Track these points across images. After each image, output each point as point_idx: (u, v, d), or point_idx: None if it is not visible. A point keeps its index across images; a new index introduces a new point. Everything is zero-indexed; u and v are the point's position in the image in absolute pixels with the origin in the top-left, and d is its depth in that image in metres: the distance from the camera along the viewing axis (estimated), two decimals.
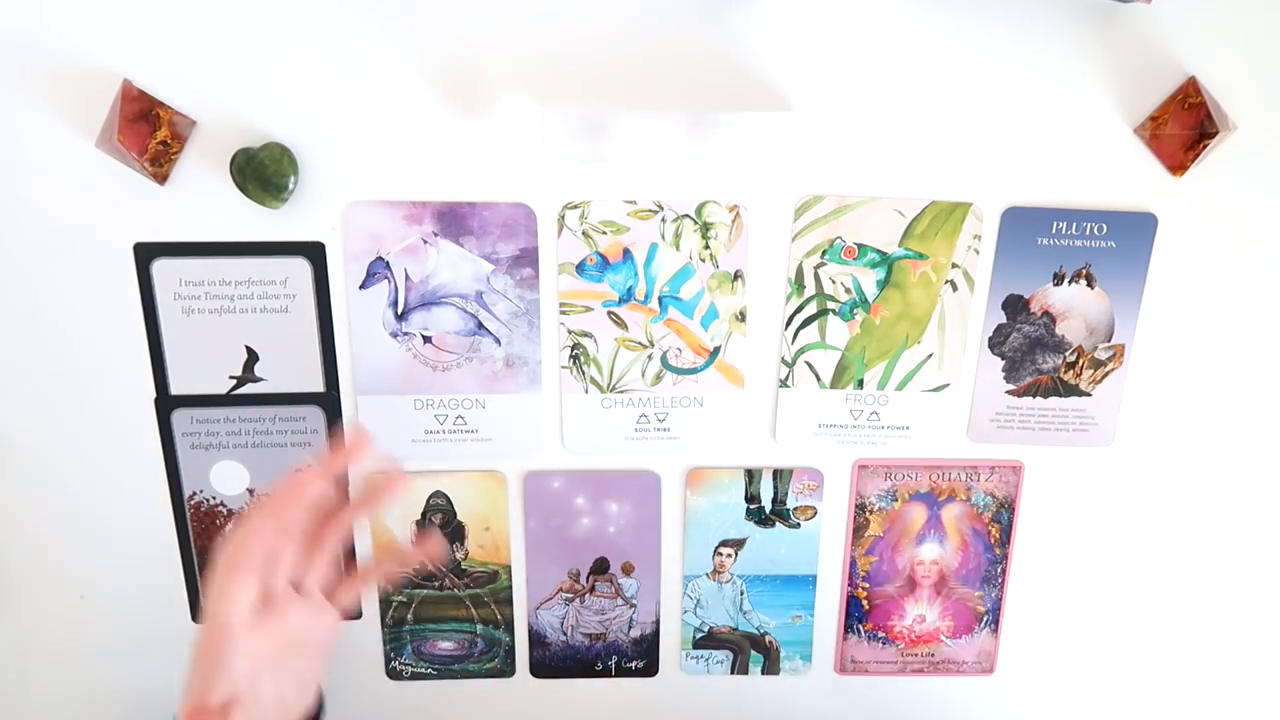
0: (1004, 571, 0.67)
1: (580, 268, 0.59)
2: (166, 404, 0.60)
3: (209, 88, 0.54)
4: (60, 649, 0.67)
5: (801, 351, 0.61)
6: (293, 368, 0.60)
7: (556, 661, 0.69)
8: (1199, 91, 0.54)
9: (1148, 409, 0.62)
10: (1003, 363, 0.62)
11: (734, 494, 0.64)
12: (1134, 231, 0.58)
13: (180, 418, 0.61)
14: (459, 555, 0.65)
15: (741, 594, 0.67)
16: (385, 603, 0.66)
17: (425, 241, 0.58)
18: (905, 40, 0.54)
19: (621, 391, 0.61)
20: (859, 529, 0.66)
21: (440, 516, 0.64)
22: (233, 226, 0.57)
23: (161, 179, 0.54)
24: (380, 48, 0.53)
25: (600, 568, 0.66)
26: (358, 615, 0.67)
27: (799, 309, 0.60)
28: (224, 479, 0.62)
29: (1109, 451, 0.64)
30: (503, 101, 0.55)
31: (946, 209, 0.58)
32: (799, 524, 0.65)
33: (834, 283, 0.59)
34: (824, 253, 0.59)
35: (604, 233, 0.58)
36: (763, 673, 0.70)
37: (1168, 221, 0.58)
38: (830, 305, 0.60)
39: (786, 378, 0.62)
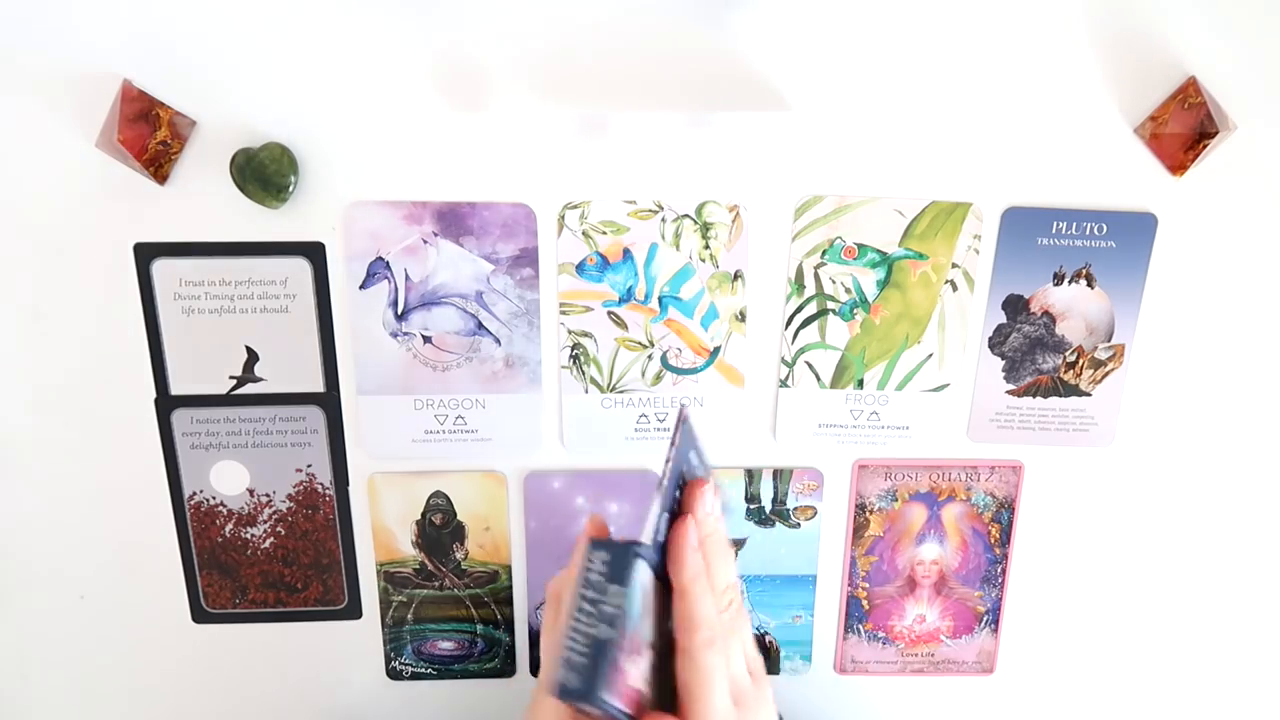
0: (1004, 571, 0.67)
1: (580, 268, 0.59)
2: (166, 404, 0.60)
3: (209, 88, 0.54)
4: (60, 649, 0.67)
5: (801, 351, 0.61)
6: (293, 368, 0.60)
7: None
8: (1199, 91, 0.54)
9: (1148, 409, 0.62)
10: (1003, 363, 0.62)
11: (734, 494, 0.64)
12: (1134, 231, 0.58)
13: (180, 418, 0.61)
14: (459, 555, 0.65)
15: (741, 594, 0.67)
16: (385, 603, 0.66)
17: (425, 241, 0.58)
18: (905, 40, 0.54)
19: (621, 391, 0.61)
20: (859, 529, 0.66)
21: (440, 516, 0.64)
22: (233, 226, 0.57)
23: (161, 179, 0.55)
24: (380, 47, 0.53)
25: None
26: (358, 615, 0.67)
27: (799, 309, 0.60)
28: (224, 479, 0.63)
29: (1109, 451, 0.64)
30: (502, 101, 0.55)
31: (946, 209, 0.58)
32: (799, 524, 0.65)
33: (834, 283, 0.60)
34: (824, 253, 0.59)
35: (604, 233, 0.58)
36: None
37: (1168, 221, 0.58)
38: (830, 305, 0.60)
39: (786, 378, 0.62)
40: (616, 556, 0.42)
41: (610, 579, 0.41)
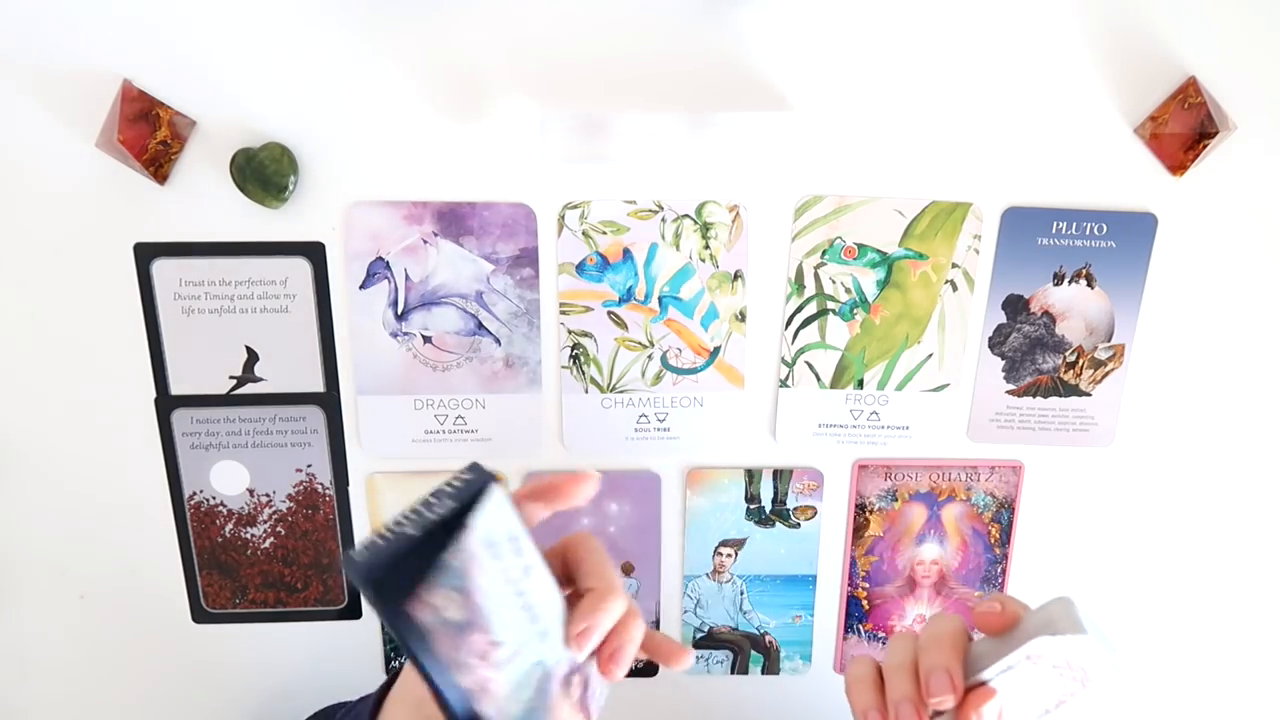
0: (1004, 571, 0.67)
1: (580, 268, 0.59)
2: (166, 404, 0.60)
3: (209, 88, 0.54)
4: (60, 649, 0.67)
5: (801, 351, 0.61)
6: (293, 368, 0.60)
7: None
8: (1199, 91, 0.54)
9: (1148, 409, 0.62)
10: (1003, 363, 0.62)
11: (734, 494, 0.64)
12: (1134, 231, 0.58)
13: (180, 418, 0.61)
14: None
15: (741, 594, 0.67)
16: None
17: (425, 241, 0.58)
18: (905, 40, 0.54)
19: (621, 391, 0.61)
20: (859, 529, 0.66)
21: None
22: (233, 226, 0.57)
23: (161, 179, 0.55)
24: (380, 48, 0.53)
25: None
26: (358, 615, 0.67)
27: (799, 309, 0.60)
28: (224, 479, 0.63)
29: (1109, 451, 0.64)
30: (502, 101, 0.55)
31: (946, 209, 0.58)
32: (799, 524, 0.65)
33: (834, 283, 0.60)
34: (824, 253, 0.59)
35: (604, 233, 0.58)
36: (763, 673, 0.70)
37: (1168, 221, 0.58)
38: (830, 305, 0.60)
39: (786, 378, 0.62)
40: (477, 478, 0.40)
41: (454, 496, 0.39)
